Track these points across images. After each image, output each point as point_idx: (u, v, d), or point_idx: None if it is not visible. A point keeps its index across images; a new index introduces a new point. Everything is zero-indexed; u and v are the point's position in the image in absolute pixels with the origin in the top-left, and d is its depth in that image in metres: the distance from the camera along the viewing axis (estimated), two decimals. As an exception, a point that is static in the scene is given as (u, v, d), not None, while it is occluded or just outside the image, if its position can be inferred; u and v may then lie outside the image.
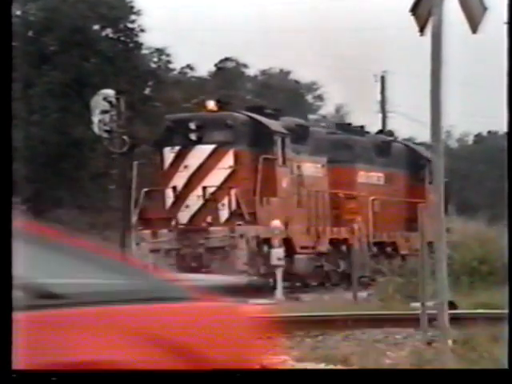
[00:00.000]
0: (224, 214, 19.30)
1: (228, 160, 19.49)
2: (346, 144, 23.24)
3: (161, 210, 19.59)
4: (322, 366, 8.80)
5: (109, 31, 36.07)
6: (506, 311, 6.12)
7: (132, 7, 36.28)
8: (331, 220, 21.60)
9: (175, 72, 42.57)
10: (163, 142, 19.99)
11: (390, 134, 26.50)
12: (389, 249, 23.46)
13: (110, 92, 23.32)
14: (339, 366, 8.57)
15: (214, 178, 19.41)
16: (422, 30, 6.73)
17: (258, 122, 20.10)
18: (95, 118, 23.00)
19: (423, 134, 28.71)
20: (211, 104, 20.09)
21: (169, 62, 40.67)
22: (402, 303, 15.00)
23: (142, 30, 36.29)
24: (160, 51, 38.89)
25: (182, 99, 39.73)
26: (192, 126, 19.48)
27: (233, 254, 18.79)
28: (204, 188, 19.37)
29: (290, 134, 20.73)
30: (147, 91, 37.51)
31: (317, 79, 53.56)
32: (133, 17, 36.38)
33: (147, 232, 19.35)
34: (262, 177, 19.24)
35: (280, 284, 19.92)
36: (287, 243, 20.16)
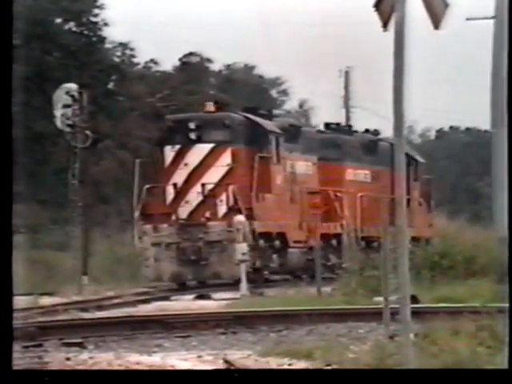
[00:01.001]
0: (222, 210, 20.26)
1: (226, 158, 20.45)
2: (334, 143, 24.18)
3: (162, 205, 20.46)
4: (285, 360, 8.81)
5: (71, 25, 35.75)
6: (506, 309, 6.13)
7: (95, 1, 35.98)
8: (321, 215, 22.41)
9: (139, 66, 42.33)
10: (164, 140, 20.95)
11: (376, 133, 27.28)
12: (375, 243, 23.80)
13: (72, 86, 23.10)
14: (303, 361, 8.59)
15: (213, 176, 20.37)
16: (385, 25, 6.75)
17: (254, 122, 21.07)
18: (57, 113, 22.77)
19: (386, 129, 28.91)
20: (210, 105, 21.23)
21: (132, 56, 40.43)
22: (366, 298, 15.09)
23: (106, 24, 36.03)
24: (123, 45, 38.64)
25: (146, 94, 39.52)
26: (191, 125, 20.50)
27: (230, 248, 19.56)
28: (203, 185, 20.33)
29: (283, 133, 21.67)
30: (110, 85, 37.26)
31: (281, 74, 53.66)
32: (96, 10, 36.09)
33: (149, 226, 20.33)
34: (257, 174, 20.28)
35: (244, 279, 19.94)
36: (281, 237, 21.16)
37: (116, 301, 17.89)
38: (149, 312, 15.12)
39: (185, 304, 17.46)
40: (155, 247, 20.20)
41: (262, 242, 20.36)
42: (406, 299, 6.44)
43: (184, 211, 20.43)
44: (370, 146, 25.44)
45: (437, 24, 6.53)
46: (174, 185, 20.51)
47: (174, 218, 20.32)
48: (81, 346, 10.71)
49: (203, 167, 20.43)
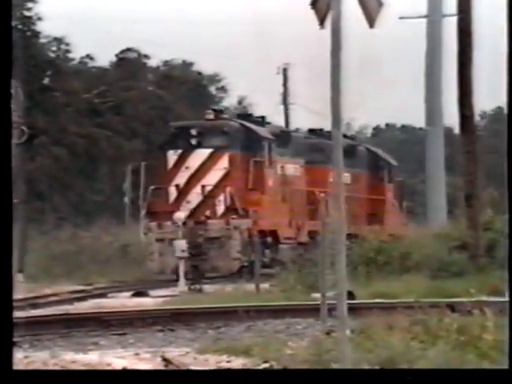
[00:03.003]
0: (220, 209, 22.15)
1: (224, 162, 22.42)
2: (318, 147, 26.06)
3: (165, 204, 22.29)
4: (224, 357, 8.81)
5: (6, 19, 35.02)
6: (507, 309, 6.17)
7: (29, -6, 35.41)
8: (309, 214, 24.32)
9: (75, 62, 41.82)
10: (167, 145, 22.88)
11: (353, 138, 29.70)
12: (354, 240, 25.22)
13: (7, 81, 22.66)
14: (241, 358, 8.60)
15: (212, 178, 22.34)
16: (321, 23, 6.78)
17: (249, 129, 22.93)
18: (-8, 108, 22.29)
19: (324, 126, 29.23)
20: (209, 113, 23.05)
21: (68, 51, 39.93)
22: (304, 294, 15.19)
23: (40, 19, 35.49)
24: (59, 40, 38.12)
25: (82, 89, 39.07)
26: (193, 132, 22.45)
27: (228, 244, 21.34)
28: (203, 186, 22.23)
29: (275, 139, 23.53)
30: (46, 81, 36.73)
31: (220, 71, 53.58)
32: (30, 4, 35.53)
33: (153, 223, 22.13)
34: (252, 177, 22.25)
35: (182, 276, 19.88)
36: (273, 235, 22.93)
37: (52, 298, 17.68)
38: (85, 310, 14.96)
39: (122, 301, 17.33)
40: (159, 243, 21.86)
41: (256, 239, 21.67)
42: (342, 295, 6.49)
43: (185, 210, 22.07)
44: (349, 151, 27.43)
45: (371, 23, 6.59)
46: (177, 186, 22.33)
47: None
48: (15, 345, 10.55)
49: (203, 170, 22.33)
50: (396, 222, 27.98)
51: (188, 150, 22.40)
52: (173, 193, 22.34)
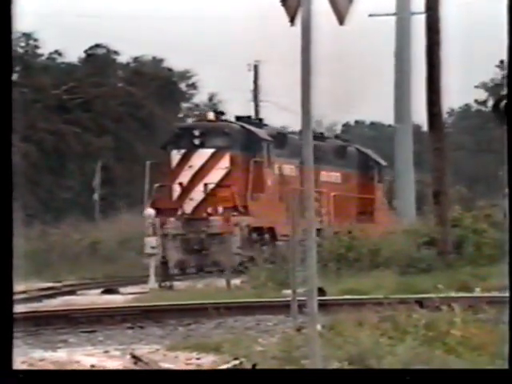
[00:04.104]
0: (221, 206, 22.94)
1: (225, 162, 23.47)
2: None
3: (169, 201, 23.26)
4: (194, 354, 8.80)
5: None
6: (510, 308, 6.16)
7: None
8: (302, 212, 24.60)
9: (43, 58, 41.50)
10: (171, 145, 23.96)
11: (345, 139, 30.52)
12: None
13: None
14: (211, 355, 8.59)
15: (214, 177, 23.38)
16: (292, 20, 6.79)
17: (249, 131, 24.05)
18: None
19: (294, 123, 29.35)
20: (211, 115, 24.37)
21: (36, 47, 39.61)
22: (274, 290, 15.21)
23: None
24: (27, 36, 37.80)
25: (51, 85, 38.76)
26: (196, 133, 23.55)
27: (228, 240, 21.92)
28: (205, 184, 23.26)
29: (273, 140, 24.55)
30: (14, 77, 36.38)
31: (190, 67, 53.43)
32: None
33: (158, 219, 22.65)
34: (252, 176, 23.33)
35: (153, 273, 19.83)
36: (271, 232, 23.80)
37: (21, 296, 17.55)
38: (54, 307, 14.86)
39: (91, 299, 17.24)
40: (163, 238, 22.57)
41: (255, 236, 23.00)
42: (313, 292, 6.51)
43: (188, 207, 23.20)
44: (340, 151, 28.44)
45: (341, 20, 6.60)
46: (180, 184, 23.35)
47: (179, 212, 23.05)
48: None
49: (205, 169, 23.37)
50: (385, 219, 28.73)
51: (191, 150, 23.49)
52: (177, 190, 23.35)
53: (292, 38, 6.86)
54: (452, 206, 21.79)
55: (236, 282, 17.59)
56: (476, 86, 60.74)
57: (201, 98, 54.64)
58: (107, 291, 19.02)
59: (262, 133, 24.51)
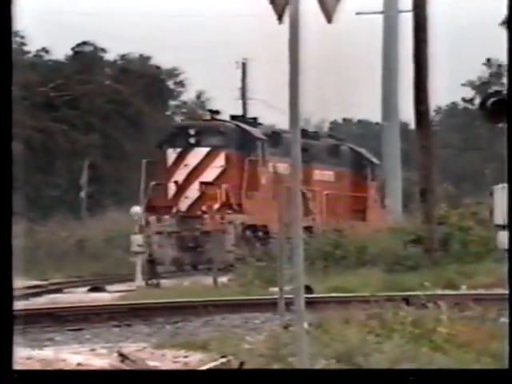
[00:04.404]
0: (216, 205, 23.37)
1: (220, 160, 23.88)
2: (303, 147, 26.26)
3: (165, 199, 23.70)
4: (181, 352, 8.79)
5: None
6: (506, 309, 6.14)
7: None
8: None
9: (30, 55, 41.34)
10: (167, 144, 24.31)
11: (339, 138, 30.88)
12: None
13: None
14: (199, 353, 8.59)
15: (209, 175, 23.78)
16: (280, 18, 6.79)
17: (244, 130, 24.43)
18: None
19: (282, 121, 29.41)
20: (206, 115, 24.95)
21: (23, 44, 39.45)
22: (261, 288, 15.21)
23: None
24: (14, 33, 37.52)
25: (38, 83, 38.63)
26: (191, 132, 23.95)
27: (223, 237, 22.56)
28: (200, 183, 23.63)
29: (267, 139, 24.91)
30: None
31: (178, 65, 53.35)
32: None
33: (153, 217, 23.33)
34: (247, 175, 23.69)
35: (139, 271, 19.80)
36: (264, 229, 24.10)
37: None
38: (41, 305, 14.82)
39: (78, 297, 17.20)
40: (158, 235, 23.07)
41: (248, 233, 23.62)
42: (300, 289, 6.51)
43: (184, 205, 23.65)
44: (334, 150, 28.82)
45: (329, 18, 6.61)
46: (176, 182, 23.70)
47: (175, 210, 23.50)
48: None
49: (200, 168, 23.77)
50: (378, 217, 29.08)
51: (187, 149, 23.84)
52: (172, 189, 23.70)
53: (280, 36, 6.87)
54: (439, 203, 21.87)
55: (223, 279, 17.58)
56: (463, 84, 60.98)
57: (189, 95, 54.62)
58: (94, 289, 18.99)
59: (256, 132, 25.04)
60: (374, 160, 31.07)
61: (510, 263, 6.16)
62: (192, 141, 23.88)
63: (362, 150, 31.17)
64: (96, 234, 29.14)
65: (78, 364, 7.03)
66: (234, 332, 10.32)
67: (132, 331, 11.50)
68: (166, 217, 23.22)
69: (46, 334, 11.32)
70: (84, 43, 45.70)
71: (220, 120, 24.76)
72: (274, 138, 25.61)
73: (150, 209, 23.51)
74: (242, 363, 7.25)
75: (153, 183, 23.70)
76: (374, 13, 36.07)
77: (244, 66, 41.96)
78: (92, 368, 6.43)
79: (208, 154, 23.80)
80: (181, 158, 23.85)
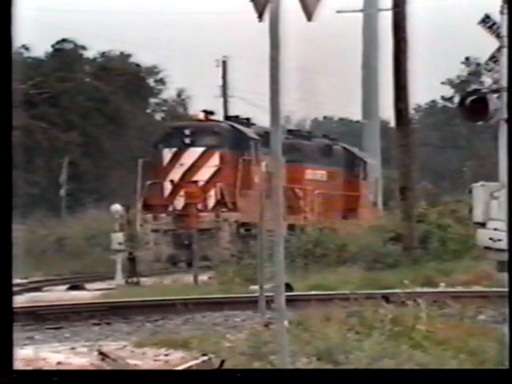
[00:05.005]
0: (211, 203, 24.08)
1: (215, 160, 24.39)
2: (296, 147, 27.98)
3: (160, 198, 24.14)
4: (162, 350, 8.78)
5: None
6: (506, 309, 6.14)
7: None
8: (288, 209, 26.07)
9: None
10: (163, 144, 24.78)
11: (332, 138, 31.52)
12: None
13: None
14: (179, 351, 8.58)
15: (204, 174, 24.27)
16: (260, 16, 6.79)
17: (238, 130, 24.91)
18: None
19: (263, 119, 29.45)
20: (201, 115, 25.33)
21: (2, 41, 39.04)
22: (242, 286, 15.21)
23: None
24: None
25: (18, 80, 38.24)
26: (186, 132, 24.48)
27: (218, 235, 23.13)
28: (195, 182, 24.01)
29: (260, 139, 25.02)
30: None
31: (158, 63, 53.18)
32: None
33: (149, 215, 23.86)
34: (241, 174, 24.13)
35: (119, 269, 19.75)
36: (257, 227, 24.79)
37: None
38: (20, 304, 14.74)
39: (57, 295, 17.13)
40: (154, 233, 23.64)
41: (242, 231, 23.94)
42: (280, 288, 6.52)
43: (179, 203, 24.01)
44: (326, 150, 29.31)
45: (309, 16, 6.62)
46: (171, 181, 24.13)
47: (170, 208, 23.93)
48: None
49: (196, 167, 24.27)
50: (371, 214, 29.53)
51: (182, 149, 24.36)
52: (168, 187, 24.14)
53: (261, 34, 6.87)
54: (418, 201, 21.96)
55: (204, 277, 17.56)
56: (442, 83, 61.25)
57: (169, 93, 54.47)
58: (73, 287, 18.91)
59: (249, 132, 25.54)
60: (367, 159, 31.63)
61: (509, 263, 6.18)
62: (187, 141, 24.42)
63: (355, 150, 31.74)
64: (76, 232, 29.04)
65: (58, 363, 7.01)
66: (215, 330, 10.31)
67: (112, 329, 11.47)
68: (162, 215, 23.71)
69: (25, 332, 11.26)
70: (64, 40, 45.50)
71: (214, 120, 25.40)
72: (267, 137, 26.04)
73: (146, 207, 23.99)
74: (222, 361, 7.25)
75: (149, 182, 24.20)
76: (354, 11, 36.17)
77: (224, 64, 41.94)
78: (72, 367, 6.42)
79: (203, 154, 24.32)
80: (176, 157, 24.38)
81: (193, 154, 24.36)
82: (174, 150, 24.43)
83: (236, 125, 25.37)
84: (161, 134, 25.75)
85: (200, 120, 25.06)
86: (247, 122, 26.74)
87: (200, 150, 24.36)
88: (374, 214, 30.20)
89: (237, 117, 26.98)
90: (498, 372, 5.34)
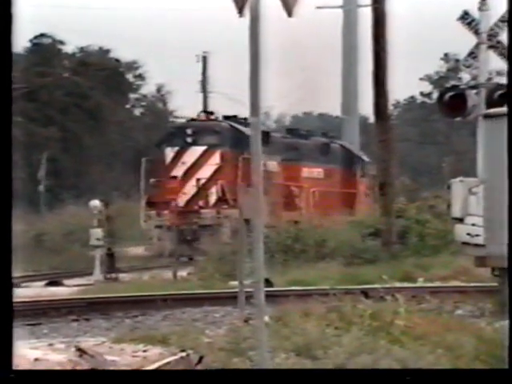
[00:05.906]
0: (212, 200, 25.09)
1: (216, 158, 25.41)
2: (293, 146, 28.90)
3: (163, 195, 24.89)
4: (140, 346, 8.76)
5: None
6: (507, 309, 6.13)
7: None
8: (285, 205, 27.51)
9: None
10: (166, 143, 25.90)
11: (330, 136, 32.24)
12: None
13: None
14: (158, 347, 8.56)
15: (205, 172, 25.32)
16: (240, 11, 6.78)
17: (237, 129, 25.59)
18: None
19: (243, 114, 29.48)
20: (202, 115, 26.76)
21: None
22: (222, 282, 15.21)
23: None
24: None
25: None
26: (188, 131, 25.50)
27: (219, 231, 23.90)
28: (197, 179, 25.18)
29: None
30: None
31: (137, 58, 52.99)
32: None
33: (153, 212, 24.81)
34: (241, 172, 24.54)
35: (98, 265, 19.69)
36: None
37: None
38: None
39: (36, 291, 17.05)
40: (158, 229, 24.51)
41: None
42: (260, 283, 6.53)
43: (182, 200, 24.98)
44: (324, 148, 30.34)
45: (289, 12, 6.62)
46: (174, 178, 24.94)
47: (173, 205, 24.67)
48: None
49: (197, 165, 25.25)
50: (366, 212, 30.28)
51: (184, 147, 25.33)
52: (170, 185, 24.89)
53: (241, 30, 6.86)
54: (397, 196, 22.04)
55: (183, 273, 17.54)
56: (421, 79, 61.52)
57: (149, 88, 54.33)
58: (52, 283, 18.83)
59: (248, 131, 25.85)
60: (364, 157, 32.11)
61: (509, 263, 6.19)
62: (189, 140, 25.27)
63: (352, 148, 32.39)
64: (54, 227, 28.91)
65: (36, 359, 6.98)
66: (194, 326, 10.30)
67: (90, 325, 11.43)
68: (165, 211, 24.41)
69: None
70: (42, 35, 45.25)
71: (215, 120, 26.27)
72: (264, 137, 26.37)
73: (150, 204, 24.84)
74: (201, 357, 7.24)
75: (152, 180, 25.01)
76: (334, 7, 36.22)
77: (204, 59, 41.88)
78: (49, 364, 6.39)
79: (204, 153, 25.19)
80: (178, 156, 25.23)
81: (194, 152, 25.24)
82: (177, 148, 25.29)
83: (235, 124, 26.01)
84: (163, 134, 26.82)
85: (201, 120, 26.05)
86: (245, 122, 27.13)
87: (201, 148, 25.23)
88: (371, 211, 30.88)
89: (235, 116, 27.69)
90: (498, 372, 5.36)
